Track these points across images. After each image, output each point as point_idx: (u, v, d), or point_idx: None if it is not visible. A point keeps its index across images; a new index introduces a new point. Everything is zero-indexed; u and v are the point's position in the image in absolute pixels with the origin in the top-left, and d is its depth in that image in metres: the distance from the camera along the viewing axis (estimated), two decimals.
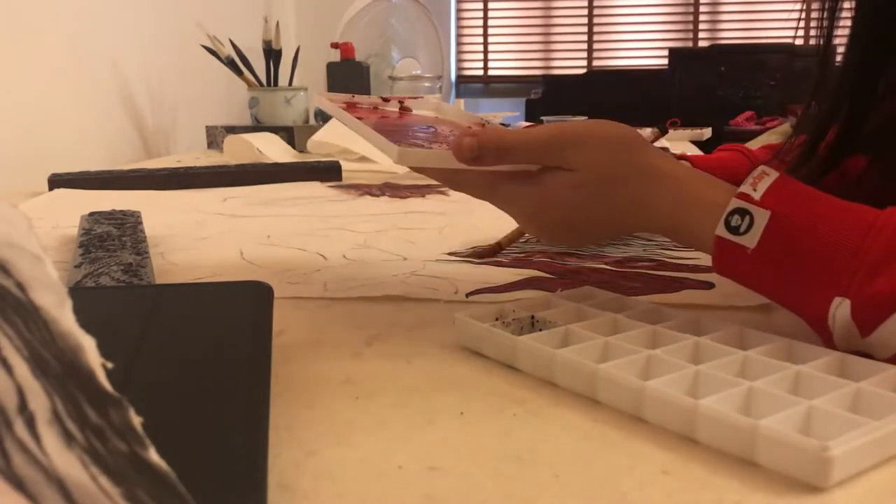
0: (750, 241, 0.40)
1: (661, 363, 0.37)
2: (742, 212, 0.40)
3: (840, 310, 0.38)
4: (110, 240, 0.66)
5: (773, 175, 0.41)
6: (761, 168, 0.42)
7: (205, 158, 1.43)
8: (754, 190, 0.40)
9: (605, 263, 0.63)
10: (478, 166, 0.45)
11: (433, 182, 1.14)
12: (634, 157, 0.45)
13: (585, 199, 0.45)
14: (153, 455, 0.20)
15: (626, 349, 0.38)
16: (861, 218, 0.39)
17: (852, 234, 0.39)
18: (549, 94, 3.40)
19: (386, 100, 0.60)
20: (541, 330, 0.42)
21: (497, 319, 0.44)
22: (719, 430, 0.31)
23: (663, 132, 0.74)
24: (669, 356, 0.37)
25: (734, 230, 0.40)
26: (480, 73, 4.06)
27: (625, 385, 0.35)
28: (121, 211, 0.81)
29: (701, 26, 3.87)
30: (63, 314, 0.21)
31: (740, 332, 0.41)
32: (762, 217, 0.40)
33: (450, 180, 0.50)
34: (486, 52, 4.04)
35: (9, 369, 0.19)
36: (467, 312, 0.43)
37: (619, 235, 0.49)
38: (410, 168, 0.51)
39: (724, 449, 0.31)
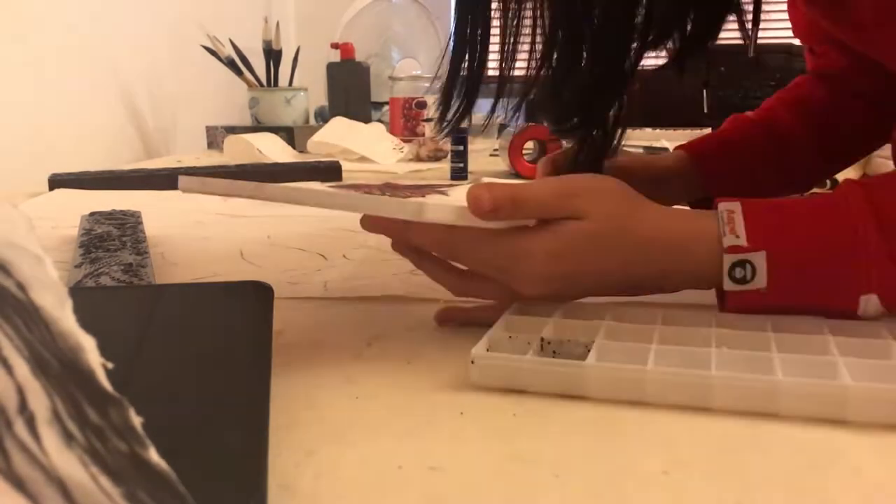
0: (759, 283, 0.42)
1: (727, 357, 0.38)
2: (740, 263, 0.42)
3: (870, 304, 0.41)
4: (110, 240, 0.66)
5: (737, 208, 0.43)
6: (724, 208, 0.43)
7: (205, 158, 1.43)
8: (737, 237, 0.42)
9: None
10: (493, 220, 0.44)
11: (433, 182, 1.15)
12: (637, 206, 0.46)
13: (598, 247, 0.44)
14: (153, 455, 0.20)
15: (692, 352, 0.38)
16: (838, 207, 0.42)
17: (843, 231, 0.41)
18: None
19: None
20: (555, 353, 0.40)
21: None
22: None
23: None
24: (734, 349, 0.38)
25: (741, 281, 0.42)
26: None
27: (754, 385, 0.35)
28: (121, 211, 0.81)
29: None
30: (63, 314, 0.21)
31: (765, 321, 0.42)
32: (760, 258, 0.42)
33: (444, 246, 0.47)
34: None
35: (9, 369, 0.19)
36: (479, 351, 0.39)
37: (634, 288, 0.48)
38: (415, 236, 0.47)
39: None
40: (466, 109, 0.53)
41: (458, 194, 1.02)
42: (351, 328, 0.48)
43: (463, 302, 0.53)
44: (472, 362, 0.38)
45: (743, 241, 0.42)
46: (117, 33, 1.52)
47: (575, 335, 0.41)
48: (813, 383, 0.34)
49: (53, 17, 1.32)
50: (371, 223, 0.47)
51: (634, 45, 0.52)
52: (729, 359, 0.37)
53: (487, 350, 0.40)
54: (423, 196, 1.01)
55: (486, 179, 1.12)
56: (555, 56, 0.51)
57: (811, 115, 0.74)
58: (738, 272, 0.42)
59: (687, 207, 0.46)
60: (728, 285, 0.42)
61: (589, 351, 0.38)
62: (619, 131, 0.55)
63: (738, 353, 0.38)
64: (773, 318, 0.42)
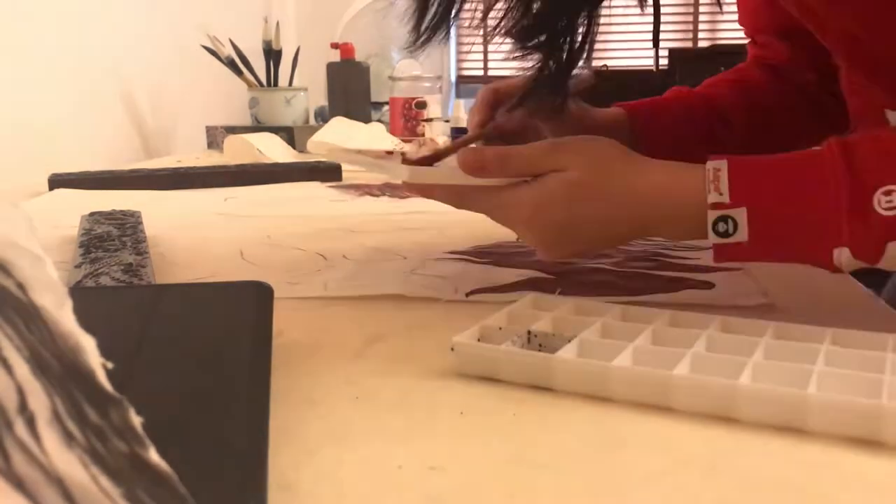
0: (741, 236, 0.44)
1: (710, 359, 0.37)
2: (723, 218, 0.44)
3: (843, 256, 0.43)
4: (110, 240, 0.66)
5: (723, 166, 0.45)
6: (711, 166, 0.45)
7: (205, 158, 1.43)
8: (720, 194, 0.44)
9: (605, 263, 0.63)
10: (482, 176, 0.48)
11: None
12: (622, 157, 0.49)
13: (580, 195, 0.47)
14: (153, 455, 0.20)
15: (664, 352, 0.38)
16: (815, 166, 0.44)
17: (819, 187, 0.43)
18: None
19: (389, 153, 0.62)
20: (541, 346, 0.41)
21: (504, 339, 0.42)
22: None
23: None
24: (723, 353, 0.38)
25: (724, 234, 0.45)
26: (480, 73, 4.06)
27: (714, 388, 0.34)
28: (121, 211, 0.81)
29: (701, 26, 3.87)
30: (63, 314, 0.21)
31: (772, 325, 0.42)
32: (741, 214, 0.44)
33: (454, 197, 0.52)
34: (485, 52, 4.03)
35: (9, 369, 0.19)
36: (463, 337, 0.40)
37: (612, 240, 0.52)
38: (416, 192, 0.55)
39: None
40: (445, 15, 0.52)
41: None
42: (351, 328, 0.48)
43: (466, 303, 0.53)
44: (452, 349, 0.40)
45: (726, 199, 0.44)
46: (117, 33, 1.52)
47: (567, 330, 0.42)
48: (773, 390, 0.34)
49: (53, 16, 1.32)
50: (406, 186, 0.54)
51: None
52: (701, 361, 0.37)
53: (478, 340, 0.41)
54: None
55: None
56: None
57: (749, 94, 0.75)
58: (721, 227, 0.44)
59: (672, 161, 0.49)
60: (713, 238, 0.45)
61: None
62: (587, 49, 0.54)
63: (712, 357, 0.38)
64: (776, 325, 0.41)
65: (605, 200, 0.47)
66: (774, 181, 0.45)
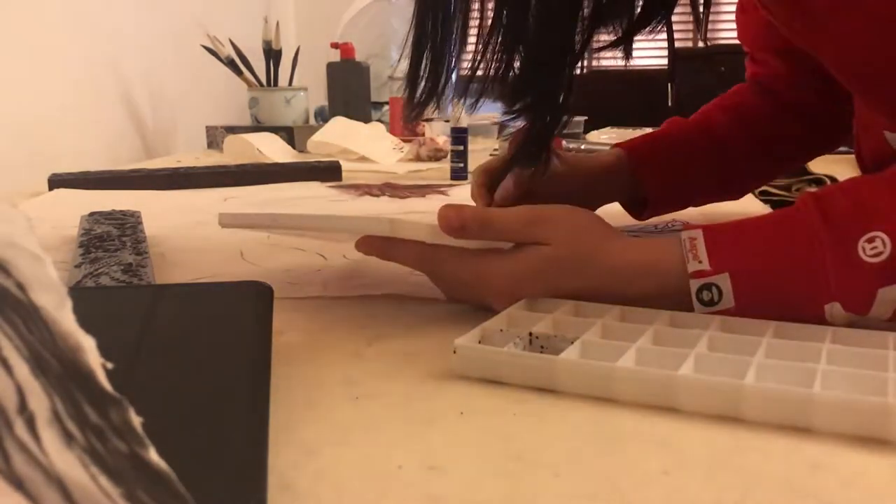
0: (727, 303, 0.43)
1: (712, 359, 0.37)
2: (706, 286, 0.43)
3: (835, 310, 0.42)
4: (110, 240, 0.66)
5: (699, 235, 0.44)
6: (686, 236, 0.45)
7: (205, 158, 1.43)
8: (699, 262, 0.44)
9: None
10: (461, 238, 0.48)
11: (434, 182, 1.14)
12: (601, 232, 0.48)
13: (560, 271, 0.47)
14: (153, 455, 0.20)
15: (669, 352, 0.38)
16: (794, 224, 0.43)
17: (799, 244, 0.42)
18: None
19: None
20: (542, 348, 0.41)
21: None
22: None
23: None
24: (725, 353, 0.38)
25: (710, 303, 0.44)
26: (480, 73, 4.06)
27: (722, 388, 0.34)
28: (121, 211, 0.81)
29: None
30: (63, 314, 0.21)
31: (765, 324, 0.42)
32: (724, 280, 0.43)
33: (422, 259, 0.51)
34: None
35: (9, 369, 0.19)
36: (464, 339, 0.40)
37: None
38: (374, 252, 0.52)
39: None
40: (432, 91, 0.54)
41: (458, 194, 1.02)
42: (351, 328, 0.48)
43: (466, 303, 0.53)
44: (455, 352, 0.40)
45: (706, 266, 0.43)
46: (117, 33, 1.52)
47: (568, 332, 0.42)
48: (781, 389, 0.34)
49: (53, 16, 1.32)
50: (358, 245, 0.52)
51: (584, 19, 0.52)
52: (705, 361, 0.37)
53: (479, 342, 0.41)
54: (424, 196, 1.01)
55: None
56: (502, 29, 0.51)
57: (747, 121, 0.75)
58: (706, 295, 0.43)
59: (649, 239, 0.49)
60: (698, 308, 0.44)
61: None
62: (566, 117, 0.55)
63: (716, 356, 0.38)
64: (776, 324, 0.41)
65: (583, 278, 0.47)
66: (754, 242, 0.44)
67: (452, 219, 0.47)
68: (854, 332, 0.40)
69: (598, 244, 0.47)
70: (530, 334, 0.42)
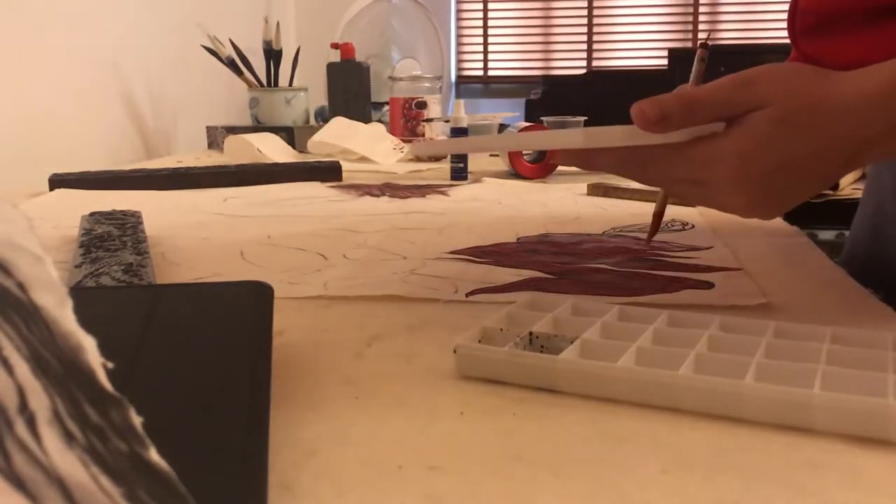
0: None
1: (718, 360, 0.37)
2: None
3: None
4: (111, 240, 0.66)
5: None
6: None
7: (205, 158, 1.43)
8: None
9: (605, 263, 0.63)
10: (665, 131, 0.41)
11: (433, 182, 1.14)
12: (819, 77, 0.41)
13: (791, 131, 0.40)
14: (153, 455, 0.20)
15: (669, 352, 0.38)
16: None
17: None
18: (549, 95, 3.39)
19: None
20: (542, 347, 0.41)
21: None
22: None
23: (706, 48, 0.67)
24: (726, 353, 0.38)
25: None
26: (480, 73, 4.06)
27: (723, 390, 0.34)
28: (121, 211, 0.81)
29: (701, 26, 3.87)
30: (63, 314, 0.21)
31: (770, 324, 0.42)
32: None
33: (629, 165, 0.45)
34: (485, 52, 4.03)
35: (9, 369, 0.19)
36: (464, 339, 0.40)
37: (826, 178, 0.43)
38: (576, 163, 0.47)
39: None
40: None
41: (459, 194, 1.02)
42: (351, 328, 0.48)
43: (466, 303, 0.53)
44: (455, 352, 0.39)
45: None
46: (117, 33, 1.52)
47: (568, 331, 0.42)
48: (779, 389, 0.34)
49: (53, 16, 1.32)
50: (558, 156, 0.46)
51: None
52: (705, 361, 0.37)
53: (479, 341, 0.41)
54: (424, 196, 1.01)
55: (486, 179, 1.12)
56: None
57: None
58: None
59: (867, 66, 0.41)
60: None
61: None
62: None
63: (716, 356, 0.38)
64: (776, 324, 0.41)
65: (818, 129, 0.40)
66: None
67: (648, 111, 0.41)
68: (854, 331, 0.40)
69: (821, 87, 0.40)
70: (530, 334, 0.41)
